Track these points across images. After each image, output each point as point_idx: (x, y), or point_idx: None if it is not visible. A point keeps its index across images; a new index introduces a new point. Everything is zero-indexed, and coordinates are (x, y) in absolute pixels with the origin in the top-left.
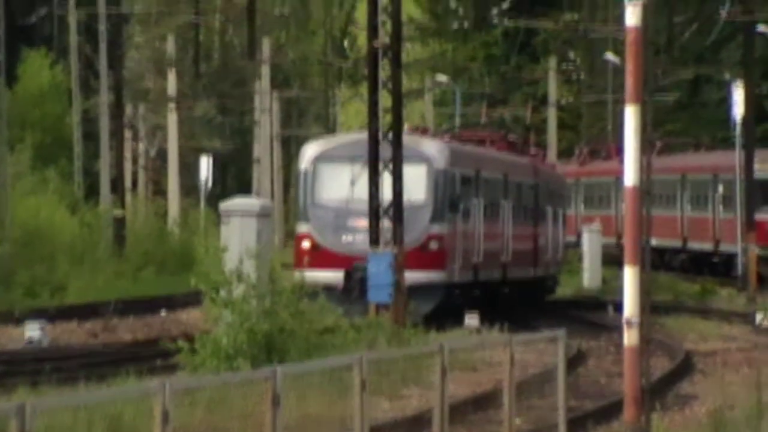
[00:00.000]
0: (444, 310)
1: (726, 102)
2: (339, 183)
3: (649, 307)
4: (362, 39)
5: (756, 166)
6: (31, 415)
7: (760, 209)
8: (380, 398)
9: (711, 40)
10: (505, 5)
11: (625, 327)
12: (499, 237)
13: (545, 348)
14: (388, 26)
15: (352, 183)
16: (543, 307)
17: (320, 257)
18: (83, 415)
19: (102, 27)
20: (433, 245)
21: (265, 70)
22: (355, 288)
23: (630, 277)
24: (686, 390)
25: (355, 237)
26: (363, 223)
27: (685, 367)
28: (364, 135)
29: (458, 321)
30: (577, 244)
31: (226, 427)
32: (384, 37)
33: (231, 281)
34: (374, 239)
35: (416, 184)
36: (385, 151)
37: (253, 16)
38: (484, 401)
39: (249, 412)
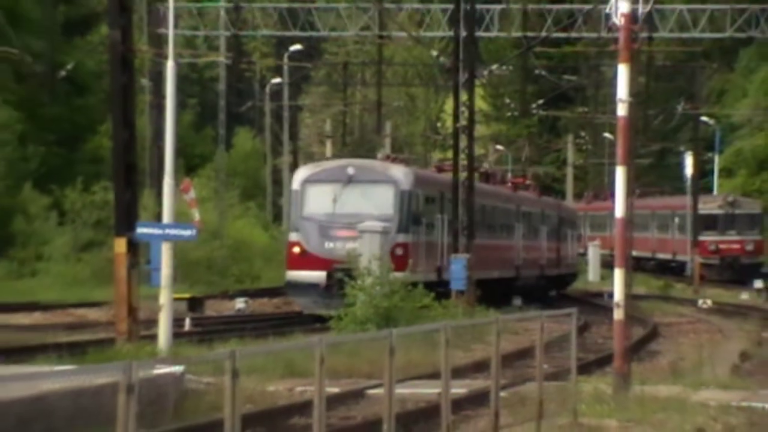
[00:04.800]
0: (501, 296)
1: (680, 165)
2: (323, 200)
3: (630, 295)
4: (449, 121)
5: (700, 205)
6: (239, 358)
7: (702, 233)
8: (457, 351)
9: (671, 125)
10: (541, 101)
11: (614, 307)
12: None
13: (563, 320)
14: (466, 114)
15: (334, 200)
16: (564, 295)
17: (307, 260)
18: (270, 358)
19: (285, 113)
20: (398, 251)
21: (387, 141)
22: (334, 286)
23: (618, 275)
24: (654, 348)
25: (336, 244)
26: (342, 233)
27: (653, 334)
28: (343, 161)
29: (508, 302)
30: (585, 254)
31: (360, 369)
32: (463, 121)
33: (363, 275)
34: (455, 249)
35: (385, 201)
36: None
37: (380, 108)
38: (524, 353)
39: (374, 359)
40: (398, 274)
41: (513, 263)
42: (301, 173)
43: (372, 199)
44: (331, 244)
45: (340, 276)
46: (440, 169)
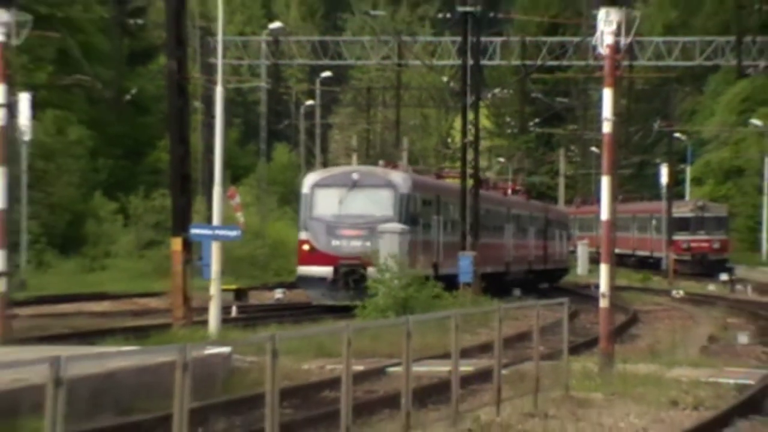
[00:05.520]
0: (503, 288)
1: (657, 175)
2: (330, 202)
3: (614, 286)
4: (458, 137)
5: (673, 210)
6: (278, 341)
7: (676, 233)
8: (465, 334)
9: (649, 141)
10: (537, 120)
11: (600, 297)
12: (457, 243)
13: (556, 308)
14: (472, 130)
15: (340, 202)
16: (557, 287)
17: (316, 257)
18: (305, 341)
19: (317, 131)
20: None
21: (404, 155)
22: (340, 279)
23: (604, 269)
24: (634, 332)
25: (341, 242)
26: (347, 232)
27: (633, 320)
28: (348, 168)
29: (508, 292)
30: (575, 251)
31: (382, 350)
32: (469, 137)
33: (383, 270)
34: (463, 247)
35: (385, 203)
36: (362, 179)
37: (398, 126)
38: (523, 337)
39: (394, 341)
40: None
41: (503, 259)
42: (311, 178)
43: (374, 201)
44: (338, 242)
45: (346, 270)
46: (438, 176)
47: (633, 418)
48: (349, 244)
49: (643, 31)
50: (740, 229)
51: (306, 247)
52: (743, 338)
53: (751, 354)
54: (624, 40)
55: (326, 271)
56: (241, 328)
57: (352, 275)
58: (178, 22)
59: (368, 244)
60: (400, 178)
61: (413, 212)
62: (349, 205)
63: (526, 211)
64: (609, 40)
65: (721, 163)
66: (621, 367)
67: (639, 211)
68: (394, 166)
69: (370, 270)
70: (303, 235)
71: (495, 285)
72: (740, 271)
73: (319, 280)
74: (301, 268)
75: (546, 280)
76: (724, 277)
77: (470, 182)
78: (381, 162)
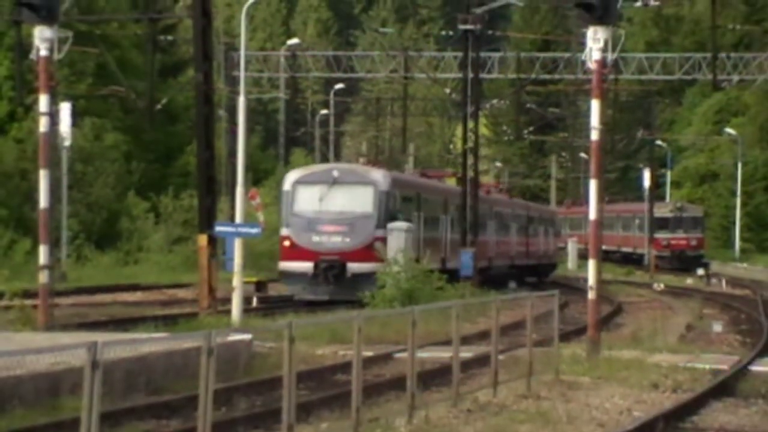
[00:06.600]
0: (500, 280)
1: (639, 179)
2: (310, 199)
3: (600, 280)
4: (459, 144)
5: (655, 210)
6: (295, 328)
7: (657, 232)
8: (466, 323)
9: (633, 148)
10: (531, 128)
11: (589, 289)
12: (438, 239)
13: (548, 299)
14: (472, 138)
15: (320, 199)
16: (549, 280)
17: (296, 252)
18: (319, 328)
19: (331, 137)
20: (377, 244)
21: (410, 159)
22: (320, 275)
23: (592, 264)
24: (619, 321)
25: (321, 238)
26: (327, 228)
27: (618, 310)
28: (329, 165)
29: (505, 285)
30: (565, 248)
31: (389, 337)
32: (470, 143)
33: (391, 263)
34: (463, 243)
35: (366, 200)
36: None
37: (405, 133)
38: (517, 325)
39: (400, 329)
40: (374, 265)
41: (486, 254)
42: (292, 176)
43: (354, 198)
44: (318, 238)
45: (326, 266)
46: (423, 175)
47: (617, 400)
48: (330, 240)
49: (627, 48)
50: (715, 228)
51: (287, 243)
52: (718, 327)
53: (725, 341)
54: (610, 56)
55: (306, 266)
56: (261, 317)
57: (331, 270)
58: (205, 38)
59: (348, 240)
60: (380, 175)
61: (393, 209)
62: (330, 202)
63: (507, 208)
64: (596, 56)
65: (697, 168)
66: (607, 353)
67: (623, 211)
68: (375, 164)
69: (350, 265)
70: (284, 232)
71: (481, 279)
72: (715, 267)
73: (299, 275)
74: (282, 264)
75: (530, 274)
76: (700, 271)
77: (453, 181)
78: (362, 160)
